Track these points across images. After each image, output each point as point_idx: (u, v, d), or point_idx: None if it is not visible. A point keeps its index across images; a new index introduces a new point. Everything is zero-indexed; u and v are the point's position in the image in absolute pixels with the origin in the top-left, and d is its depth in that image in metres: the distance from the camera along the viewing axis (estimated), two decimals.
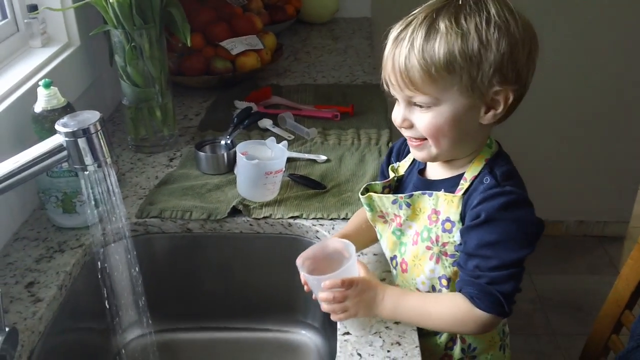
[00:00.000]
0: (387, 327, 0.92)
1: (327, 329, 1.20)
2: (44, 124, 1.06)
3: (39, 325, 0.95)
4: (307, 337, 1.24)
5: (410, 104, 0.82)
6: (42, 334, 0.96)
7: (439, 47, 0.76)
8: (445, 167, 0.90)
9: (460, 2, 0.78)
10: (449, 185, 0.87)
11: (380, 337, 0.91)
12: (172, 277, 1.23)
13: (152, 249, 1.20)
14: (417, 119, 0.83)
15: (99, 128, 0.76)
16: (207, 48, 1.74)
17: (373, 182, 0.97)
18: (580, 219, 2.74)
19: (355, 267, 0.89)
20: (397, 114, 0.85)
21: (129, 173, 1.34)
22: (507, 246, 0.81)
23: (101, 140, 0.77)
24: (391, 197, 0.92)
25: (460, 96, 0.79)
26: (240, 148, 1.24)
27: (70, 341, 1.06)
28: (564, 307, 2.40)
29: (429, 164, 0.93)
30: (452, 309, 0.85)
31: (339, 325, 0.93)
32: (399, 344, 0.89)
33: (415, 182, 0.93)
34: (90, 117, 0.76)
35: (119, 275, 1.19)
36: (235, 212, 1.18)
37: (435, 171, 0.92)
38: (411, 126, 0.84)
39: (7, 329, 0.80)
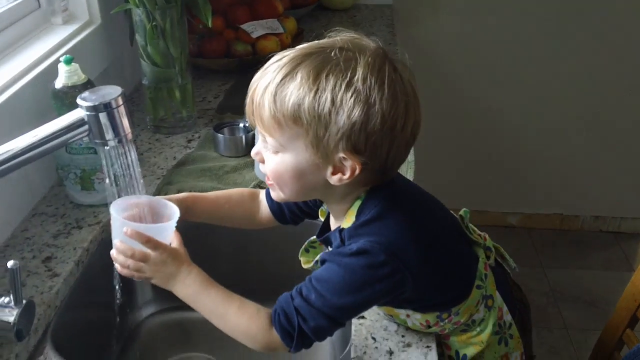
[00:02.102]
0: None
1: None
2: (64, 100, 1.06)
3: (55, 300, 0.96)
4: None
5: (265, 141, 0.78)
6: (58, 308, 0.96)
7: (290, 96, 0.72)
8: (332, 215, 0.87)
9: (331, 55, 0.73)
10: (334, 237, 0.84)
11: (395, 322, 0.91)
12: (190, 253, 1.24)
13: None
14: (267, 158, 0.79)
15: (120, 103, 0.76)
16: (227, 31, 1.73)
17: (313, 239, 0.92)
18: (597, 214, 2.72)
19: (169, 233, 0.84)
20: (255, 146, 0.81)
21: (147, 153, 1.35)
22: (331, 286, 0.76)
23: (122, 116, 0.76)
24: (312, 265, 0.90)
25: (305, 150, 0.74)
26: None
27: (86, 317, 1.07)
28: (578, 302, 2.38)
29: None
30: (249, 322, 0.80)
31: None
32: (414, 329, 0.89)
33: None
34: (112, 91, 0.76)
35: None
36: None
37: (332, 217, 0.88)
38: (263, 161, 0.80)
39: (24, 302, 0.81)
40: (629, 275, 1.26)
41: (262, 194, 0.99)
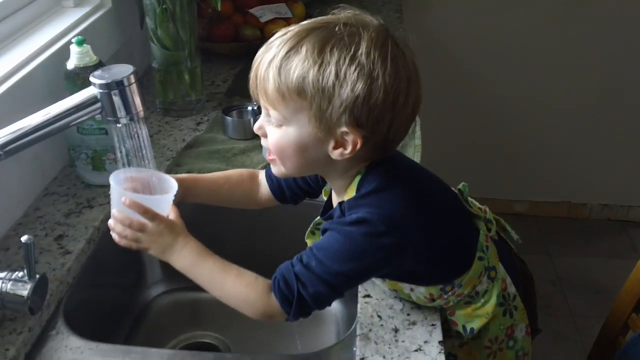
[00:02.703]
0: None
1: (346, 295, 1.20)
2: (76, 81, 1.07)
3: (67, 276, 0.97)
4: None
5: (268, 115, 0.80)
6: (70, 285, 0.98)
7: (294, 69, 0.73)
8: (334, 192, 0.88)
9: (335, 30, 0.74)
10: (336, 211, 0.84)
11: (400, 300, 0.92)
12: (196, 238, 1.25)
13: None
14: (269, 132, 0.80)
15: (132, 81, 0.77)
16: (236, 15, 1.74)
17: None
18: (605, 202, 2.72)
19: (166, 205, 0.85)
20: (258, 121, 0.83)
21: (156, 135, 1.36)
22: (331, 253, 0.77)
23: (134, 94, 0.78)
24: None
25: (309, 124, 0.75)
26: None
27: (97, 295, 1.09)
28: (584, 289, 2.39)
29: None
30: (248, 289, 0.81)
31: (359, 288, 0.94)
32: (419, 307, 0.90)
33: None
34: (124, 70, 0.77)
35: None
36: None
37: (334, 195, 0.90)
38: (266, 136, 0.82)
39: (37, 276, 0.82)
40: (635, 263, 1.27)
41: (261, 174, 1.00)
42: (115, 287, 1.17)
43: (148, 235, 0.83)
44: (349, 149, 0.76)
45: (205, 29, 1.71)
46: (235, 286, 0.82)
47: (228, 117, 1.35)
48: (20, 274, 0.82)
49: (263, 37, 1.71)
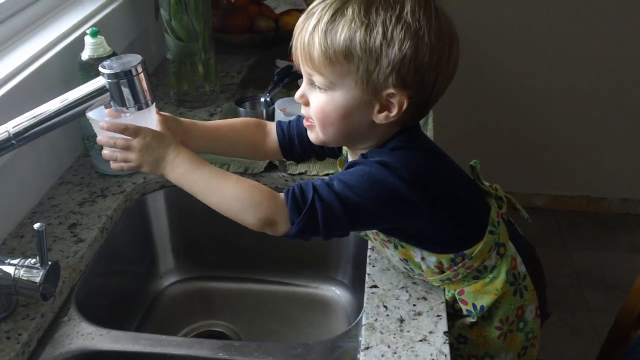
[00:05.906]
0: (414, 283, 0.94)
1: (357, 286, 1.21)
2: (90, 72, 1.09)
3: (80, 264, 0.99)
4: (336, 293, 1.26)
5: (311, 82, 0.79)
6: (82, 273, 1.00)
7: (341, 32, 0.74)
8: (353, 154, 0.88)
9: None
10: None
11: (407, 291, 0.92)
12: (209, 229, 1.26)
13: (191, 201, 1.23)
14: (312, 99, 0.80)
15: (140, 71, 0.78)
16: (251, 6, 1.75)
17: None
18: (624, 196, 2.68)
19: (149, 120, 0.83)
20: (299, 89, 0.82)
21: None
22: (354, 178, 0.77)
23: (142, 83, 0.78)
24: None
25: (355, 87, 0.76)
26: (279, 104, 1.26)
27: (109, 283, 1.10)
28: (601, 284, 2.36)
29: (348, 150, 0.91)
30: (252, 189, 0.79)
31: (367, 279, 0.95)
32: (425, 298, 0.91)
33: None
34: (132, 60, 0.78)
35: (158, 223, 1.23)
36: (271, 167, 1.20)
37: (350, 156, 0.90)
38: (307, 104, 0.81)
39: (49, 263, 0.84)
40: None
41: (270, 124, 0.99)
42: (127, 276, 1.18)
43: (136, 151, 0.81)
44: (395, 111, 0.77)
45: (220, 20, 1.72)
46: (237, 189, 0.79)
47: (241, 108, 1.35)
48: (33, 260, 0.84)
49: (278, 29, 1.72)
